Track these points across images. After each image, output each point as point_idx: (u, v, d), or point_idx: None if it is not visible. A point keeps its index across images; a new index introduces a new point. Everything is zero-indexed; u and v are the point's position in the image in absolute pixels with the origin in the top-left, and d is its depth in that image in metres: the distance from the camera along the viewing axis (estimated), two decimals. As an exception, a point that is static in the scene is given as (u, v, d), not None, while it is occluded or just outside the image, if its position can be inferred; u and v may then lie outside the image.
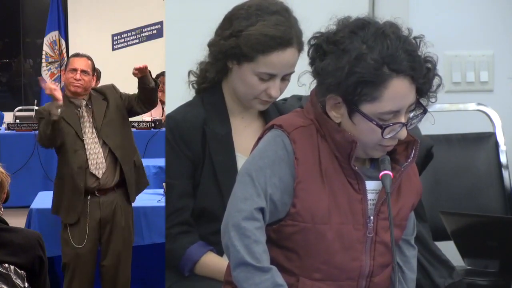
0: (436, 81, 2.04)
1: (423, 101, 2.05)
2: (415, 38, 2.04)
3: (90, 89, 4.88)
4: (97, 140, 4.74)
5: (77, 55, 5.01)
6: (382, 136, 2.01)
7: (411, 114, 2.07)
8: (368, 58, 1.97)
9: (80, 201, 4.69)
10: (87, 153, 4.72)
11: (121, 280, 4.84)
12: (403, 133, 2.04)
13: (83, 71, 4.84)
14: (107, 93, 4.86)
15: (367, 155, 2.08)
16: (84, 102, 4.81)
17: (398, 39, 2.00)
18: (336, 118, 2.05)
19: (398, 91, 1.98)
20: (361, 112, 2.00)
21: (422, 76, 2.00)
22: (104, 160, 4.73)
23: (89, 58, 4.98)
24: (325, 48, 2.03)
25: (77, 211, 4.68)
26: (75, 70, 4.85)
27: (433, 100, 2.06)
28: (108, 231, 4.77)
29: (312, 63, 2.08)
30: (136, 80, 4.74)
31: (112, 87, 4.94)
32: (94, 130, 4.75)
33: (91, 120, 4.77)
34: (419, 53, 2.02)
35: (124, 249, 4.82)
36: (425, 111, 2.06)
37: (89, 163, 4.70)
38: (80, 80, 4.81)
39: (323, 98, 2.05)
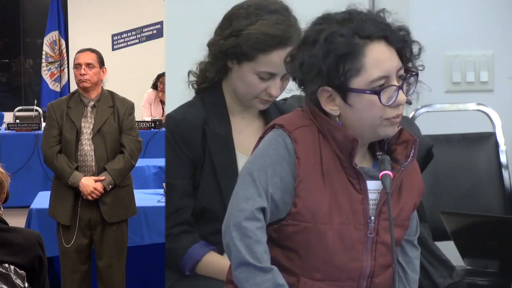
0: (416, 45, 2.06)
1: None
2: (378, 12, 2.06)
3: (100, 83, 4.82)
4: (91, 143, 4.74)
5: (80, 50, 4.95)
6: (381, 103, 2.00)
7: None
8: (337, 36, 2.00)
9: (69, 200, 4.69)
10: (78, 153, 4.71)
11: (115, 281, 4.83)
12: (401, 98, 2.02)
13: (87, 64, 4.79)
14: (118, 106, 4.79)
15: (378, 136, 2.07)
16: (92, 103, 4.77)
17: (361, 14, 2.03)
18: (334, 111, 2.05)
19: (378, 56, 2.00)
20: (353, 89, 2.01)
21: (398, 39, 2.02)
22: (93, 164, 4.72)
23: (93, 51, 4.92)
24: (298, 50, 2.06)
25: (68, 210, 4.69)
26: (79, 65, 4.81)
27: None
28: (99, 233, 4.76)
29: (292, 72, 2.10)
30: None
31: (128, 106, 4.84)
32: (91, 132, 4.73)
33: (92, 121, 4.75)
34: (387, 23, 2.04)
35: (116, 250, 4.80)
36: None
37: (79, 164, 4.70)
38: (85, 74, 4.76)
39: (315, 96, 2.05)
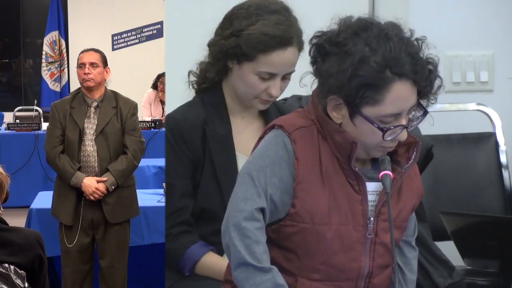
0: (437, 82, 2.04)
1: (423, 102, 2.06)
2: (417, 39, 2.03)
3: (104, 83, 4.83)
4: (94, 143, 4.74)
5: (84, 50, 4.96)
6: (383, 139, 2.01)
7: (411, 116, 2.07)
8: (371, 61, 1.96)
9: (71, 200, 4.69)
10: (81, 154, 4.71)
11: (116, 281, 4.83)
12: (403, 135, 2.04)
13: (91, 64, 4.80)
14: (121, 107, 4.79)
15: (368, 156, 2.09)
16: (95, 104, 4.77)
17: (401, 41, 1.99)
18: (337, 119, 2.05)
19: (400, 94, 1.98)
20: (362, 115, 2.00)
21: (424, 79, 2.00)
22: (96, 165, 4.72)
23: (96, 51, 4.92)
24: (328, 49, 2.03)
25: (70, 211, 4.69)
26: (83, 64, 4.82)
27: (433, 101, 2.06)
28: (102, 233, 4.77)
29: (313, 63, 2.08)
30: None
31: (132, 106, 4.84)
32: (94, 133, 4.73)
33: (95, 122, 4.75)
34: (421, 55, 2.02)
35: (118, 250, 4.81)
36: (425, 112, 2.06)
37: (81, 164, 4.70)
38: (89, 74, 4.77)
39: (325, 99, 2.05)
